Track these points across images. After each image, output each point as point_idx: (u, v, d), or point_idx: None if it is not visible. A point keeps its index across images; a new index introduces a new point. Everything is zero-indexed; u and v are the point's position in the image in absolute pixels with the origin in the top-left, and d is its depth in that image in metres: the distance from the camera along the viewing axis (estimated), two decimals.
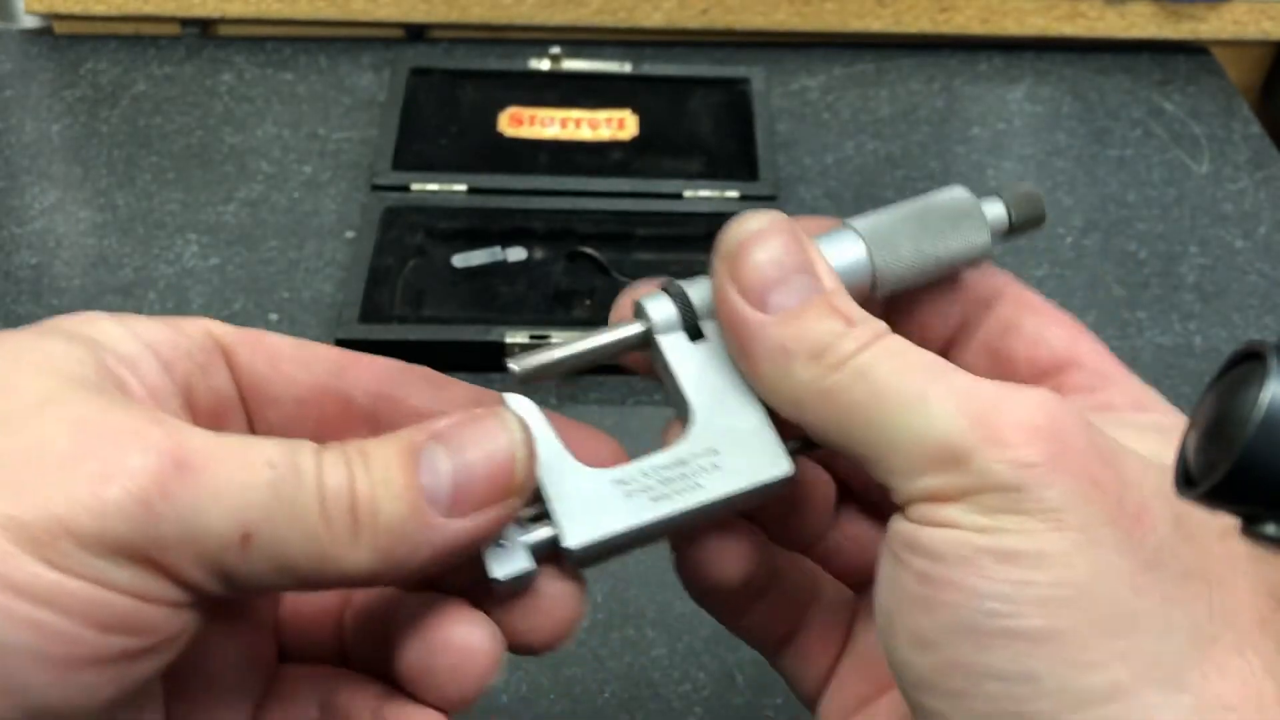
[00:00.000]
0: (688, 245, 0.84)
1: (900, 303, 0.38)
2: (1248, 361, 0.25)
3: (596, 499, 0.33)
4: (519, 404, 0.33)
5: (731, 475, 0.33)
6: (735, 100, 0.96)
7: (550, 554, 0.32)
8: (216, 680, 0.36)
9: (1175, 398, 0.33)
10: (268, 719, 0.37)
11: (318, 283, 0.82)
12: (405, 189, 0.87)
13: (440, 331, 0.76)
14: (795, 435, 0.34)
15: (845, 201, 0.91)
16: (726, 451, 0.33)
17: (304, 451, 0.29)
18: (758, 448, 0.34)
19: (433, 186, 0.87)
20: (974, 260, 0.37)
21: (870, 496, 0.40)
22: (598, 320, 0.79)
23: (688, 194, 0.87)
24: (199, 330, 0.34)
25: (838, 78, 1.02)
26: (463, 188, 0.87)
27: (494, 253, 0.82)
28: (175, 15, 1.01)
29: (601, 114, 0.93)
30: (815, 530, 0.39)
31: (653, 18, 1.02)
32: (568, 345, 0.35)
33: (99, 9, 1.00)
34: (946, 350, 0.38)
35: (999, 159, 0.95)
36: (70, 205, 0.88)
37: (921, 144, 0.96)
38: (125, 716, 0.31)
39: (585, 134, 0.92)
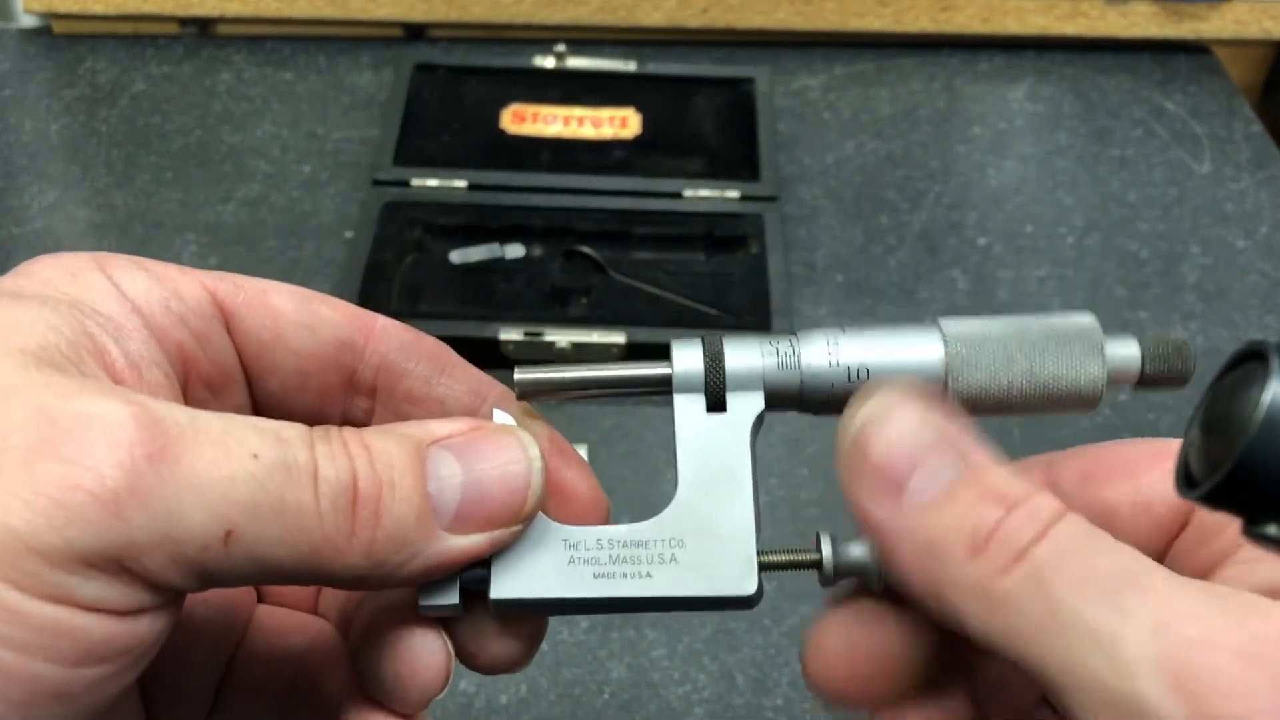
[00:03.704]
0: (686, 245, 0.84)
1: None
2: (1249, 361, 0.25)
3: (539, 556, 0.30)
4: (507, 420, 0.31)
5: (686, 576, 0.30)
6: (739, 100, 0.95)
7: (480, 593, 0.30)
8: (187, 645, 0.34)
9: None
10: (237, 675, 0.35)
11: (317, 282, 0.82)
12: (405, 184, 0.86)
13: (436, 327, 0.75)
14: (779, 553, 0.31)
15: (846, 201, 0.90)
16: (693, 546, 0.30)
17: (295, 440, 0.26)
18: (728, 554, 0.30)
19: (433, 182, 0.87)
20: (1078, 405, 0.31)
21: None
22: (593, 318, 0.80)
23: (687, 193, 0.87)
24: (197, 292, 0.31)
25: (838, 77, 1.02)
26: (463, 184, 0.87)
27: (492, 249, 0.82)
28: (174, 14, 1.00)
29: (605, 112, 0.93)
30: None
31: (653, 17, 1.02)
32: (579, 368, 0.32)
33: (98, 8, 1.00)
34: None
35: (1000, 158, 0.95)
36: (69, 205, 0.88)
37: (922, 143, 0.96)
38: None
39: (588, 132, 0.92)
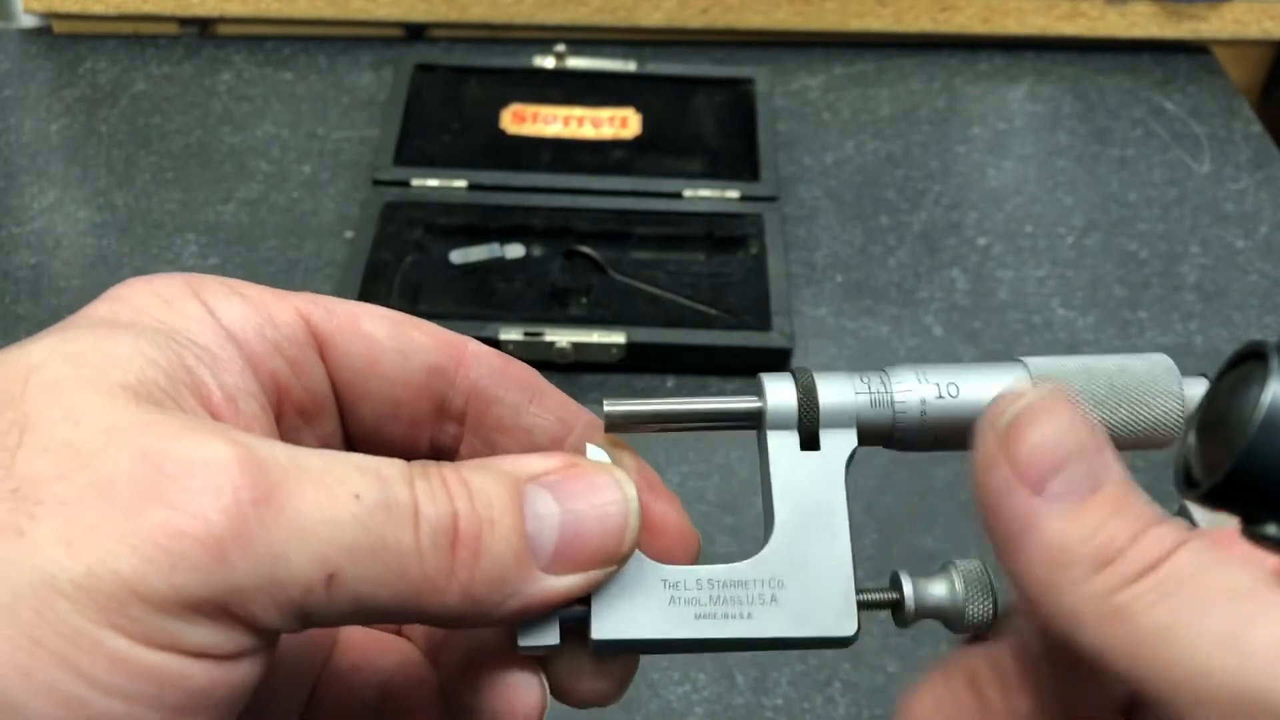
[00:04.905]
0: (685, 245, 0.84)
1: None
2: (1249, 361, 0.25)
3: (639, 595, 0.30)
4: (600, 455, 0.31)
5: (786, 617, 0.30)
6: (739, 100, 0.95)
7: (577, 631, 0.30)
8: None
9: None
10: (321, 703, 0.35)
11: (317, 282, 0.82)
12: (405, 184, 0.86)
13: None
14: (872, 592, 0.31)
15: (846, 201, 0.90)
16: (792, 586, 0.30)
17: (395, 479, 0.26)
18: (827, 594, 0.30)
19: (433, 182, 0.87)
20: (1154, 443, 0.31)
21: None
22: (593, 318, 0.80)
23: (687, 193, 0.87)
24: (292, 319, 0.30)
25: (838, 77, 1.02)
26: (463, 184, 0.87)
27: (492, 249, 0.82)
28: (174, 14, 1.00)
29: (605, 112, 0.93)
30: None
31: (653, 17, 1.02)
32: (668, 401, 0.32)
33: (98, 8, 1.00)
34: None
35: (999, 158, 0.95)
36: (69, 205, 0.88)
37: (922, 143, 0.96)
38: None
39: (588, 132, 0.92)
